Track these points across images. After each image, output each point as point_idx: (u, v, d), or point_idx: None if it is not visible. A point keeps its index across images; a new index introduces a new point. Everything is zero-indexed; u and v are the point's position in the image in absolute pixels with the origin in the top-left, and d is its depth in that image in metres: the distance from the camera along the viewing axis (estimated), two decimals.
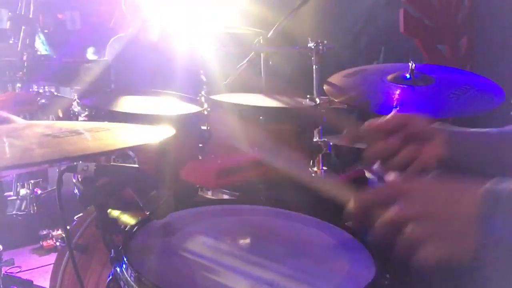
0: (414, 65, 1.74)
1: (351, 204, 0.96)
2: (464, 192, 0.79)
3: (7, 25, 2.10)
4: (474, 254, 0.75)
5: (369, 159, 1.11)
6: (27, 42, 2.01)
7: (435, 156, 1.05)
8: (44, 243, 3.28)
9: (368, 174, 1.74)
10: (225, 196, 1.68)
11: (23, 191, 2.24)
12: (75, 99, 1.62)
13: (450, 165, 1.05)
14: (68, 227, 1.42)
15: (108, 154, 0.94)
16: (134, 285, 0.88)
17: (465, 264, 0.76)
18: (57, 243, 3.11)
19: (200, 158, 1.62)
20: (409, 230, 0.78)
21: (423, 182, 0.86)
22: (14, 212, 2.23)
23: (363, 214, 0.91)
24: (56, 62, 2.21)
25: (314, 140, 1.86)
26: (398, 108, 1.16)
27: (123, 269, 0.91)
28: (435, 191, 0.82)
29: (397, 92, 1.70)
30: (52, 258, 2.34)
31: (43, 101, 1.87)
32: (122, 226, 1.10)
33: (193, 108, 1.73)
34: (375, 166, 1.13)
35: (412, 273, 0.91)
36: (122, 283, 0.91)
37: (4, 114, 0.91)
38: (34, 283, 2.32)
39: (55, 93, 1.92)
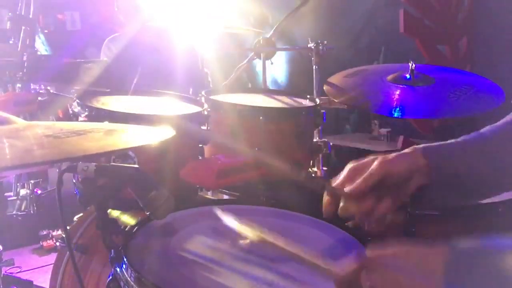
0: (414, 65, 1.74)
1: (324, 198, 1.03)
2: (428, 256, 0.79)
3: (7, 25, 2.09)
4: None
5: (345, 217, 1.07)
6: (27, 42, 2.01)
7: (414, 190, 1.03)
8: (44, 243, 3.28)
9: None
10: (225, 196, 1.68)
11: (23, 191, 2.23)
12: (75, 99, 1.62)
13: (435, 189, 1.04)
14: (68, 227, 1.42)
15: (108, 155, 0.94)
16: (134, 285, 0.88)
17: None
18: (57, 243, 3.11)
19: (200, 158, 1.62)
20: None
21: (387, 251, 0.83)
22: (14, 212, 2.23)
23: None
24: (56, 62, 2.21)
25: (314, 140, 1.86)
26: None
27: (123, 269, 0.91)
28: (399, 259, 0.81)
29: (397, 92, 1.70)
30: (52, 258, 2.34)
31: (40, 98, 1.86)
32: (122, 226, 1.10)
33: (193, 108, 1.73)
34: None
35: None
36: (122, 283, 0.91)
37: (4, 114, 0.91)
38: (34, 283, 2.32)
39: (54, 92, 1.92)
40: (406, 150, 1.05)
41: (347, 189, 1.02)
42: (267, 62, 2.60)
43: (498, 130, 1.09)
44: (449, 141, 1.08)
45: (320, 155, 1.93)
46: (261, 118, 1.67)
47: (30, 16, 2.11)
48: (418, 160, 1.03)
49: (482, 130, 1.10)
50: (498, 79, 1.77)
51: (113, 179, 0.96)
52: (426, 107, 1.70)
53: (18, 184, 2.27)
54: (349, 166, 1.05)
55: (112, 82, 1.94)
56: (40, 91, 1.92)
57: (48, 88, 1.94)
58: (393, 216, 1.05)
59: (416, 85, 1.73)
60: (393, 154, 1.04)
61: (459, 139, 1.08)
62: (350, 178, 1.04)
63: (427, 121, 3.44)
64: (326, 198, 1.06)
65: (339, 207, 1.04)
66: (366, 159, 1.05)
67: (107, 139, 0.87)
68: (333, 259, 1.01)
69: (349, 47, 4.16)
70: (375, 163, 1.02)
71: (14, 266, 2.38)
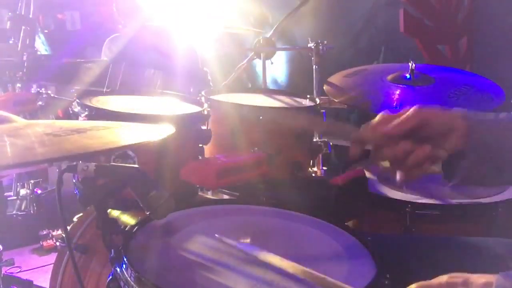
0: (414, 65, 1.74)
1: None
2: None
3: (7, 25, 2.09)
4: None
5: (377, 162, 1.02)
6: (27, 42, 2.01)
7: (452, 149, 0.98)
8: (44, 243, 3.28)
9: (368, 174, 1.74)
10: (225, 196, 1.68)
11: (23, 191, 2.23)
12: (75, 99, 1.62)
13: (471, 156, 1.00)
14: (68, 227, 1.42)
15: (108, 153, 0.94)
16: (134, 285, 0.88)
17: None
18: (57, 243, 3.10)
19: (200, 158, 1.62)
20: None
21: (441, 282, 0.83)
22: (14, 212, 2.23)
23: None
24: (56, 62, 2.21)
25: (314, 140, 1.86)
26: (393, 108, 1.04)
27: (123, 269, 0.91)
28: None
29: (397, 92, 1.70)
30: (52, 258, 2.33)
31: (40, 103, 1.87)
32: (122, 226, 1.10)
33: (193, 108, 1.73)
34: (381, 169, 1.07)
35: (412, 273, 0.92)
36: (122, 283, 0.91)
37: (4, 114, 0.91)
38: (34, 283, 2.32)
39: (53, 95, 1.92)
40: (445, 108, 1.02)
41: (382, 129, 0.98)
42: (267, 62, 2.60)
43: None
44: (489, 113, 1.06)
45: (320, 155, 1.93)
46: (261, 118, 1.67)
47: (30, 16, 2.11)
48: (458, 119, 0.99)
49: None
50: (498, 79, 1.77)
51: (113, 179, 0.96)
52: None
53: (18, 184, 2.27)
54: (381, 114, 1.01)
55: (112, 82, 1.94)
56: (40, 92, 1.92)
57: (49, 92, 1.94)
58: (433, 165, 0.98)
59: (416, 85, 1.73)
60: (432, 106, 1.01)
61: (499, 114, 1.06)
62: (383, 123, 0.99)
63: None
64: (354, 138, 1.01)
65: (372, 151, 1.00)
66: (401, 110, 1.01)
67: (107, 137, 0.87)
68: (333, 259, 1.01)
69: (349, 47, 4.16)
70: (412, 108, 0.98)
71: (14, 266, 2.38)
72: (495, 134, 1.01)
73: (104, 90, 1.85)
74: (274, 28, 2.53)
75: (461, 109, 1.03)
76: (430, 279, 0.84)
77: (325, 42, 2.23)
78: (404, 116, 0.98)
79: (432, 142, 0.98)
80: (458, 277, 0.82)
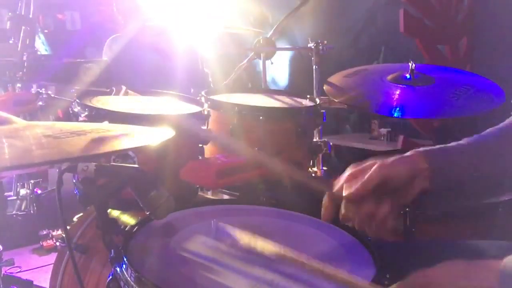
0: (414, 65, 1.74)
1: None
2: (483, 275, 0.80)
3: (7, 25, 2.09)
4: None
5: (345, 222, 1.06)
6: (27, 42, 2.01)
7: (416, 194, 1.01)
8: (44, 243, 3.28)
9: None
10: (225, 196, 1.68)
11: (23, 191, 2.23)
12: (75, 99, 1.62)
13: (436, 195, 1.03)
14: (68, 227, 1.42)
15: (108, 155, 0.94)
16: (134, 285, 0.88)
17: None
18: (57, 243, 3.11)
19: (200, 158, 1.62)
20: None
21: (440, 270, 0.84)
22: (14, 212, 2.23)
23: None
24: (56, 62, 2.21)
25: (314, 140, 1.86)
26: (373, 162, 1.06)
27: (123, 269, 0.91)
28: (455, 278, 0.82)
29: (397, 92, 1.70)
30: (52, 258, 2.34)
31: (40, 103, 1.87)
32: (122, 226, 1.10)
33: (193, 108, 1.73)
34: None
35: (412, 274, 0.92)
36: (122, 283, 0.91)
37: (4, 114, 0.91)
38: (34, 283, 2.32)
39: (53, 95, 1.92)
40: (406, 154, 1.04)
41: (345, 192, 1.02)
42: (267, 62, 2.60)
43: (498, 132, 1.09)
44: (450, 144, 1.07)
45: (320, 155, 1.93)
46: (261, 118, 1.67)
47: (30, 16, 2.11)
48: (419, 164, 1.02)
49: (483, 133, 1.10)
50: (498, 79, 1.77)
51: (113, 179, 0.96)
52: (426, 107, 1.70)
53: (18, 184, 2.27)
54: (348, 171, 1.05)
55: (112, 82, 1.94)
56: (40, 92, 1.92)
57: (49, 92, 1.94)
58: (394, 221, 1.03)
59: (416, 85, 1.72)
60: (393, 158, 1.03)
61: (460, 142, 1.07)
62: (349, 182, 1.03)
63: (427, 121, 3.44)
64: (325, 201, 1.06)
65: (340, 212, 1.04)
66: (365, 164, 1.04)
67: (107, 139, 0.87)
68: (333, 259, 1.01)
69: (349, 47, 4.16)
70: (374, 167, 1.01)
71: (14, 266, 2.38)
72: (462, 165, 1.03)
73: (103, 89, 1.85)
74: (274, 28, 2.53)
75: (422, 149, 1.05)
76: (434, 286, 0.84)
77: (325, 42, 2.23)
78: (366, 177, 1.01)
79: (394, 193, 1.01)
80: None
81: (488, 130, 1.10)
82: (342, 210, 1.03)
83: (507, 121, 1.10)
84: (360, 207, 1.01)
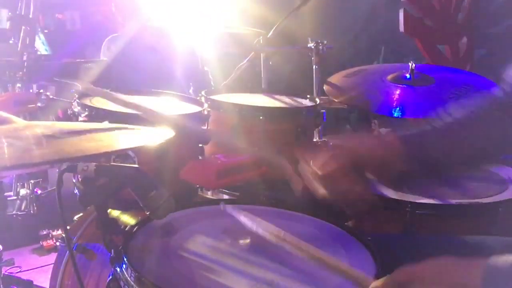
0: (414, 65, 1.74)
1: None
2: (467, 272, 0.81)
3: (7, 25, 2.09)
4: None
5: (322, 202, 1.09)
6: (27, 42, 2.01)
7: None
8: (44, 243, 3.28)
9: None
10: (225, 196, 1.68)
11: (23, 191, 2.23)
12: (75, 100, 1.62)
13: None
14: (68, 227, 1.41)
15: (108, 155, 0.94)
16: (134, 285, 0.88)
17: None
18: (57, 243, 3.10)
19: (200, 158, 1.62)
20: None
21: (426, 266, 0.84)
22: (14, 212, 2.23)
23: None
24: (56, 62, 2.21)
25: (314, 140, 1.86)
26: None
27: (123, 269, 0.91)
28: (439, 274, 0.83)
29: (397, 92, 1.71)
30: (52, 258, 2.34)
31: (40, 103, 1.87)
32: (122, 226, 1.10)
33: (193, 108, 1.73)
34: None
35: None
36: (122, 283, 0.91)
37: (4, 114, 0.91)
38: (34, 283, 2.32)
39: (52, 96, 1.92)
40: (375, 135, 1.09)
41: (322, 172, 1.05)
42: (267, 62, 2.60)
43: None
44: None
45: None
46: (261, 118, 1.67)
47: (30, 16, 2.11)
48: (393, 147, 1.07)
49: None
50: (498, 79, 1.77)
51: (113, 179, 0.96)
52: (426, 107, 1.70)
53: (18, 184, 2.27)
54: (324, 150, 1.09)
55: (112, 82, 1.94)
56: (40, 92, 1.92)
57: (48, 93, 1.94)
58: (370, 199, 1.07)
59: (416, 85, 1.73)
60: (360, 135, 1.08)
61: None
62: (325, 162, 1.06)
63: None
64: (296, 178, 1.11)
65: (317, 189, 1.07)
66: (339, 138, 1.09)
67: (106, 140, 0.87)
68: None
69: (349, 47, 4.15)
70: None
71: (14, 266, 2.38)
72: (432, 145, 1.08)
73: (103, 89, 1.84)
74: (274, 28, 2.53)
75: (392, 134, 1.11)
76: (420, 281, 0.84)
77: (325, 42, 2.23)
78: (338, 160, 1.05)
79: (370, 170, 1.07)
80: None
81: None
82: (320, 188, 1.06)
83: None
84: (336, 184, 1.04)
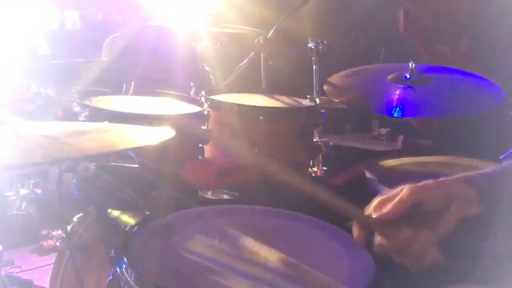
0: (414, 65, 1.73)
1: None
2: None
3: None
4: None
5: (383, 255, 0.95)
6: (27, 42, 2.01)
7: (455, 221, 0.91)
8: (44, 243, 3.27)
9: (368, 174, 1.74)
10: (225, 196, 1.68)
11: (23, 191, 2.24)
12: (75, 99, 1.62)
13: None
14: (68, 227, 1.42)
15: (108, 155, 0.94)
16: (134, 285, 0.88)
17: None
18: (57, 243, 3.10)
19: (200, 158, 1.62)
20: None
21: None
22: (14, 212, 2.23)
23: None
24: (56, 62, 2.21)
25: (314, 140, 1.86)
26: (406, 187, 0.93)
27: (123, 269, 0.91)
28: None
29: (397, 92, 1.70)
30: (52, 258, 2.33)
31: (40, 103, 1.87)
32: (122, 226, 1.10)
33: (193, 108, 1.73)
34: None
35: (412, 274, 0.91)
36: (122, 283, 0.91)
37: (4, 114, 0.91)
38: (34, 283, 2.32)
39: (52, 95, 1.92)
40: (443, 179, 0.96)
41: (376, 214, 0.94)
42: (267, 62, 2.60)
43: None
44: (487, 170, 1.00)
45: (320, 155, 1.93)
46: (261, 118, 1.67)
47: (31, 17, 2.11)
48: (458, 187, 0.94)
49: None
50: (498, 79, 1.77)
51: (113, 179, 0.96)
52: (426, 107, 1.70)
53: (18, 184, 2.27)
54: (378, 198, 0.96)
55: (112, 82, 1.94)
56: (40, 91, 1.92)
57: (48, 91, 1.94)
58: (435, 250, 0.91)
59: (416, 85, 1.72)
60: (427, 181, 0.95)
61: (496, 167, 1.00)
62: (379, 207, 0.95)
63: (427, 121, 3.44)
64: (356, 229, 0.97)
65: (375, 240, 0.95)
66: (395, 190, 0.95)
67: (106, 140, 0.87)
68: (333, 259, 1.01)
69: (349, 47, 4.15)
70: (405, 189, 0.93)
71: (14, 266, 2.38)
72: (504, 188, 0.94)
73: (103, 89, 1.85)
74: (274, 28, 2.52)
75: (461, 174, 0.97)
76: (430, 279, 0.83)
77: (325, 42, 2.23)
78: (397, 199, 0.93)
79: (432, 219, 0.92)
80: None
81: None
82: (377, 237, 0.94)
83: None
84: (397, 231, 0.92)
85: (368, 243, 0.95)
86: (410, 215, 0.92)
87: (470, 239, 0.96)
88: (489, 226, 0.94)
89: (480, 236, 0.95)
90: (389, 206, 0.92)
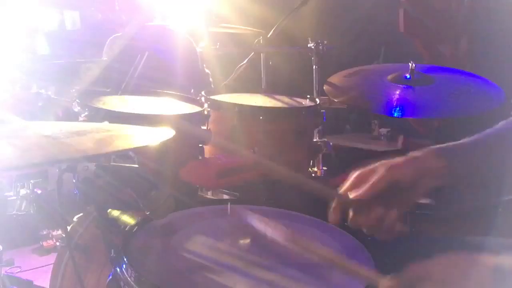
0: (414, 65, 1.74)
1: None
2: (475, 269, 0.80)
3: None
4: None
5: (355, 227, 1.02)
6: (27, 42, 2.01)
7: (425, 193, 0.99)
8: (44, 243, 3.28)
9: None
10: (225, 196, 1.68)
11: (23, 191, 2.24)
12: (75, 99, 1.62)
13: (450, 183, 1.00)
14: (68, 227, 1.42)
15: (108, 155, 0.94)
16: (134, 285, 0.88)
17: None
18: (57, 243, 3.11)
19: (200, 158, 1.62)
20: None
21: (434, 264, 0.83)
22: (14, 212, 2.23)
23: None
24: (56, 62, 2.21)
25: (314, 140, 1.86)
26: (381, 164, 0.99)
27: (123, 269, 0.91)
28: (449, 272, 0.82)
29: (397, 92, 1.70)
30: (52, 258, 2.33)
31: (40, 103, 1.87)
32: (122, 226, 1.10)
33: (193, 108, 1.73)
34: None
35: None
36: (122, 283, 0.91)
37: (4, 114, 0.91)
38: (34, 283, 2.32)
39: (52, 96, 1.92)
40: (415, 153, 1.01)
41: (353, 195, 0.99)
42: (267, 62, 2.60)
43: (495, 132, 1.09)
44: (459, 142, 1.05)
45: (320, 155, 1.93)
46: (261, 118, 1.68)
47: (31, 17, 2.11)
48: (430, 162, 0.99)
49: (480, 133, 1.09)
50: (498, 79, 1.77)
51: (113, 179, 0.96)
52: (426, 107, 1.70)
53: (18, 184, 2.27)
54: (354, 173, 1.01)
55: (112, 82, 1.94)
56: (40, 92, 1.92)
57: (49, 93, 1.94)
58: (401, 224, 0.99)
59: (416, 85, 1.73)
60: (400, 159, 1.00)
61: (467, 139, 1.05)
62: (355, 185, 1.00)
63: (427, 121, 3.44)
64: (333, 205, 1.02)
65: (349, 218, 1.01)
66: (371, 166, 1.01)
67: (106, 140, 0.87)
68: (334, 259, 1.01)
69: (349, 47, 4.15)
70: (382, 169, 0.98)
71: (14, 266, 2.38)
72: (473, 160, 1.01)
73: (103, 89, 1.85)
74: (274, 28, 2.53)
75: (433, 147, 1.02)
76: (429, 279, 0.84)
77: (325, 42, 2.23)
78: (374, 179, 0.97)
79: (402, 195, 0.98)
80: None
81: (486, 131, 1.09)
82: (351, 214, 1.00)
83: (503, 122, 1.10)
84: (369, 211, 0.98)
85: (342, 217, 1.02)
86: (385, 193, 0.97)
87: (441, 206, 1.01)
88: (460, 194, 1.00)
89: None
90: (365, 187, 0.98)
